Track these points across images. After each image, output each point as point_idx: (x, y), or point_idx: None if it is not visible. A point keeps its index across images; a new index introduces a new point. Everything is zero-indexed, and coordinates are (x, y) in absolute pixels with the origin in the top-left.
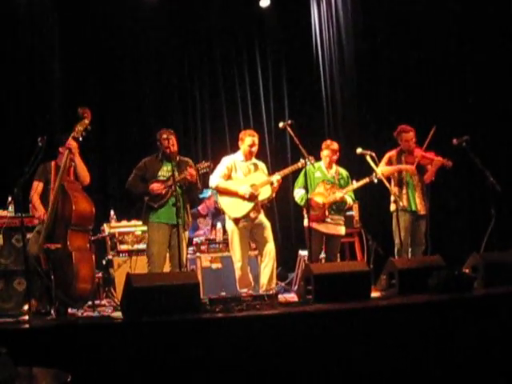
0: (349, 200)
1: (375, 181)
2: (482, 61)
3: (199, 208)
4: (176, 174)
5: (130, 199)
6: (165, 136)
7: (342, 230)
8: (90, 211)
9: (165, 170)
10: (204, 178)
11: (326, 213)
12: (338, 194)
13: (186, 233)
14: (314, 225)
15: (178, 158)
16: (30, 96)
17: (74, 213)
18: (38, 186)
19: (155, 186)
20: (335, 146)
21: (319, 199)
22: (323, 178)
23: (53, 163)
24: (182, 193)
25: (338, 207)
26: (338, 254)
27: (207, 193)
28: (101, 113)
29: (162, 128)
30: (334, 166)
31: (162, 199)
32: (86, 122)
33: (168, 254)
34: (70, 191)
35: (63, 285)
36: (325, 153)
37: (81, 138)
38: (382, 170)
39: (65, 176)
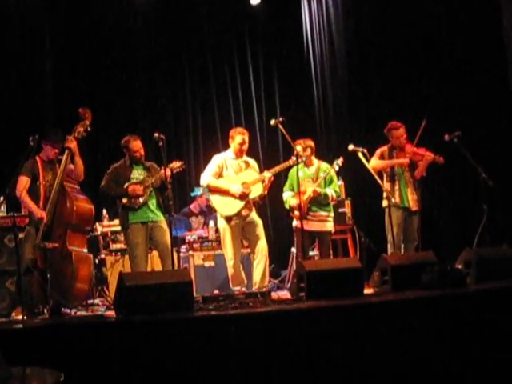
0: (328, 193)
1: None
2: (473, 56)
3: (191, 206)
4: (148, 174)
5: (105, 203)
6: (134, 142)
7: (326, 226)
8: (90, 212)
9: (136, 173)
10: (196, 176)
11: (306, 210)
12: (309, 189)
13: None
14: (299, 224)
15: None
16: (21, 95)
17: (74, 213)
18: (25, 182)
19: (135, 187)
20: (306, 142)
21: (294, 201)
22: (305, 176)
23: (37, 158)
24: (156, 192)
25: (319, 202)
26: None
27: (199, 191)
28: (92, 112)
29: (127, 134)
30: (316, 163)
31: (142, 199)
32: (87, 122)
33: (156, 252)
34: (70, 191)
35: (60, 284)
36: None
37: (80, 138)
38: (373, 164)
39: (65, 175)
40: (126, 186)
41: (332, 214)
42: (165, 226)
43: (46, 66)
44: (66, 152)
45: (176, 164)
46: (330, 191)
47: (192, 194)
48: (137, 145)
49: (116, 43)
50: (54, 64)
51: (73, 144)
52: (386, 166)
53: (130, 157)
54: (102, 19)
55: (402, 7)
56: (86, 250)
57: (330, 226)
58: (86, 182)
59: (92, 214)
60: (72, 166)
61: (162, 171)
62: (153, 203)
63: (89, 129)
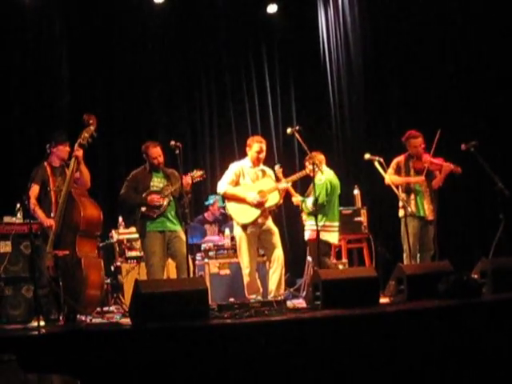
0: (304, 206)
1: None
2: (491, 65)
3: (205, 215)
4: (168, 183)
5: (122, 210)
6: (153, 148)
7: (306, 235)
8: (98, 217)
9: (156, 181)
10: (212, 185)
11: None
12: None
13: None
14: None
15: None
16: (37, 103)
17: (82, 219)
18: (35, 190)
19: (155, 197)
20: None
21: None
22: None
23: (46, 164)
24: (175, 201)
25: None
26: (327, 260)
27: (211, 199)
28: (109, 119)
29: (148, 140)
30: (324, 171)
31: (161, 209)
32: (92, 128)
33: (173, 262)
34: (77, 197)
35: (72, 291)
36: None
37: (87, 145)
38: (389, 181)
39: (72, 183)
40: (144, 195)
41: (314, 223)
42: (183, 236)
43: (63, 76)
44: (73, 160)
45: (197, 173)
46: (308, 200)
47: (206, 203)
48: (156, 151)
49: (133, 52)
50: (70, 73)
51: (80, 152)
52: (403, 183)
53: (149, 163)
54: (120, 29)
55: (419, 15)
56: (96, 256)
57: (307, 234)
58: (102, 189)
59: (100, 219)
60: (78, 175)
61: (184, 180)
62: (171, 213)
63: (94, 134)
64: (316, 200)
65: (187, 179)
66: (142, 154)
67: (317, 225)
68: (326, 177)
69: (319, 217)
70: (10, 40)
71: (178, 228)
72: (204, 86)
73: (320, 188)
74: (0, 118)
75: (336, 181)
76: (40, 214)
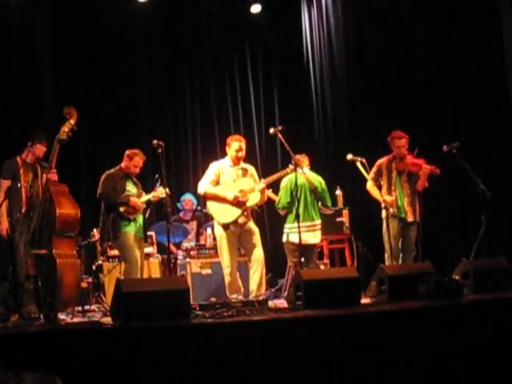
0: None
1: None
2: (473, 66)
3: (180, 215)
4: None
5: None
6: (140, 159)
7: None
8: (75, 216)
9: (130, 186)
10: (194, 185)
11: None
12: None
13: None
14: None
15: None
16: (20, 99)
17: (58, 218)
18: (5, 185)
19: (137, 201)
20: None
21: None
22: None
23: (18, 159)
24: (143, 213)
25: None
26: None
27: (182, 198)
28: (92, 119)
29: (137, 147)
30: (305, 172)
31: (136, 213)
32: (72, 122)
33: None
34: (54, 196)
35: (50, 290)
36: None
37: (67, 139)
38: (369, 187)
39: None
40: (127, 195)
41: (285, 225)
42: (143, 247)
43: (45, 74)
44: (47, 181)
45: (162, 191)
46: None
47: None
48: (140, 162)
49: (116, 52)
50: (53, 72)
51: (53, 177)
52: (378, 199)
53: (126, 168)
54: (104, 28)
55: (402, 18)
56: (73, 256)
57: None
58: (84, 187)
59: (77, 218)
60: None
61: (157, 190)
62: (142, 220)
63: (74, 128)
64: (278, 203)
65: (159, 193)
66: (124, 155)
67: (299, 226)
68: (288, 178)
69: (290, 218)
70: None
71: (142, 237)
72: (187, 86)
73: (281, 191)
74: None
75: (303, 180)
76: (3, 221)
